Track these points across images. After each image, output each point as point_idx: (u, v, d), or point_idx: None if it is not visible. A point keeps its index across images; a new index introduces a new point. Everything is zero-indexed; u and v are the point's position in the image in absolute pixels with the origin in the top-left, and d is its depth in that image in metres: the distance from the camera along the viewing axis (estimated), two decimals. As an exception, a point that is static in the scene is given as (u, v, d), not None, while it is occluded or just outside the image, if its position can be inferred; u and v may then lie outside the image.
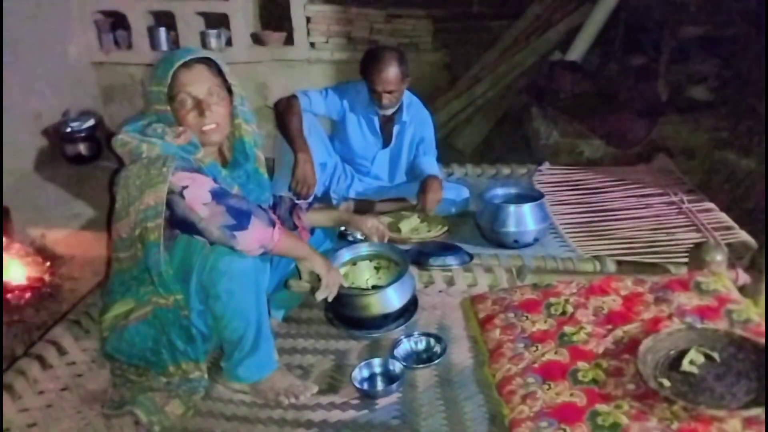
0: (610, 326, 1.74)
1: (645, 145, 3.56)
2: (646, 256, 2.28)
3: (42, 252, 2.80)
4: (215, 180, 1.55)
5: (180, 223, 1.50)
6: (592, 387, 1.54)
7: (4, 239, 2.69)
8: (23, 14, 3.55)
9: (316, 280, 1.74)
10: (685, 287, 1.83)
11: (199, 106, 1.56)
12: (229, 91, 1.65)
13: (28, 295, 2.54)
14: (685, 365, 1.51)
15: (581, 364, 1.61)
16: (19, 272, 2.59)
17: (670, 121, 3.66)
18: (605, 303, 1.84)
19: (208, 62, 1.60)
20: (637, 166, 3.22)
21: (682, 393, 1.45)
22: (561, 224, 2.58)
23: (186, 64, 1.55)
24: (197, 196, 1.47)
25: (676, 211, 2.66)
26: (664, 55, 3.85)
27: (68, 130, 3.76)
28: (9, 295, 2.49)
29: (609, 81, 4.06)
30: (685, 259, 2.07)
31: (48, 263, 2.73)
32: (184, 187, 1.47)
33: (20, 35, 3.53)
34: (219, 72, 1.62)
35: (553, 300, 1.88)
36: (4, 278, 2.54)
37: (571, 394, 1.52)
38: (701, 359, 1.53)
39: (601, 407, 1.47)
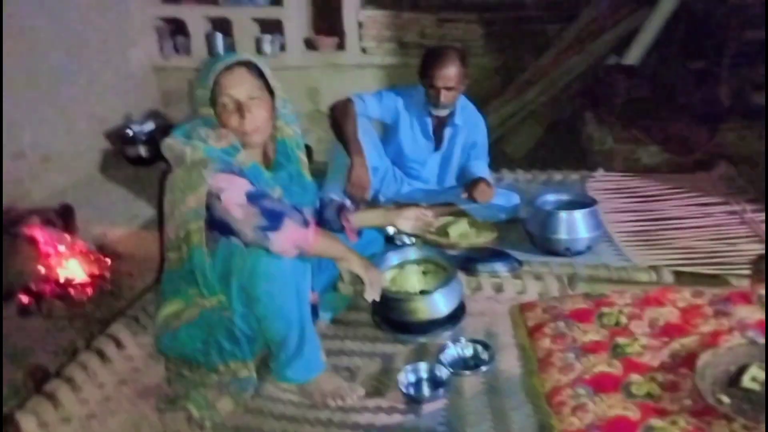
0: (666, 339, 1.69)
1: (705, 153, 3.43)
2: (706, 267, 2.20)
3: (103, 250, 2.91)
4: (254, 182, 1.58)
5: (218, 225, 1.54)
6: (646, 401, 1.50)
7: (68, 237, 2.82)
8: (87, 21, 3.71)
9: (358, 281, 1.75)
10: (747, 300, 1.76)
11: (240, 109, 1.59)
12: (271, 93, 1.67)
13: (89, 290, 2.64)
14: (746, 382, 1.45)
15: (635, 377, 1.57)
16: (81, 269, 2.70)
17: (733, 127, 3.51)
18: (661, 315, 1.78)
19: (249, 65, 1.62)
20: (697, 174, 3.12)
21: (742, 410, 1.39)
22: (615, 232, 2.51)
23: (228, 68, 1.58)
24: (233, 197, 1.51)
25: (738, 221, 2.56)
26: (725, 59, 3.70)
27: (129, 132, 3.91)
28: (72, 291, 2.60)
29: (667, 86, 3.93)
30: (747, 271, 1.98)
31: (109, 261, 2.83)
32: (221, 189, 1.50)
33: (84, 41, 3.69)
34: (260, 75, 1.64)
35: (605, 310, 1.83)
36: (69, 274, 2.66)
37: (624, 408, 1.48)
38: (763, 376, 1.46)
39: (656, 422, 1.42)
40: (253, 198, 1.52)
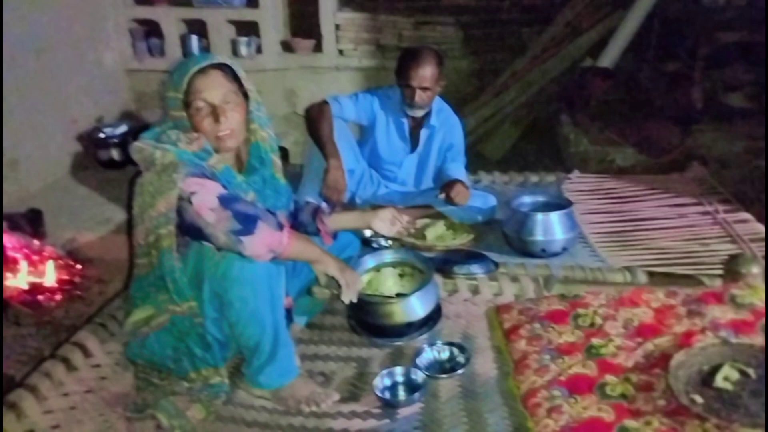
0: (640, 339, 1.69)
1: (678, 154, 3.47)
2: (679, 267, 2.22)
3: (73, 255, 2.84)
4: (226, 186, 1.55)
5: (189, 229, 1.51)
6: (620, 402, 1.50)
7: (36, 242, 2.75)
8: (59, 22, 3.64)
9: (335, 284, 1.73)
10: (720, 300, 1.77)
11: (214, 113, 1.55)
12: (246, 96, 1.64)
13: (58, 296, 2.57)
14: (719, 381, 1.46)
15: (609, 378, 1.57)
16: (49, 275, 2.64)
17: (705, 129, 3.57)
18: (636, 315, 1.79)
19: (224, 68, 1.58)
20: (670, 175, 3.15)
21: (715, 410, 1.39)
22: (590, 233, 2.52)
23: (202, 70, 1.54)
24: (205, 201, 1.47)
25: (711, 221, 2.58)
26: (699, 62, 3.76)
27: (101, 135, 3.83)
28: (40, 297, 2.53)
29: (642, 88, 3.98)
30: (720, 272, 2.01)
31: (79, 266, 2.77)
32: (192, 193, 1.47)
33: (56, 42, 3.62)
34: (235, 77, 1.60)
35: (581, 311, 1.83)
36: (36, 280, 2.60)
37: (599, 409, 1.48)
38: (736, 375, 1.47)
39: (630, 423, 1.42)
40: (225, 201, 1.49)
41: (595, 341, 1.70)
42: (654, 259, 2.31)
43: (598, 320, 1.78)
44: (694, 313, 1.74)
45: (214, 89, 1.55)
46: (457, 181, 2.51)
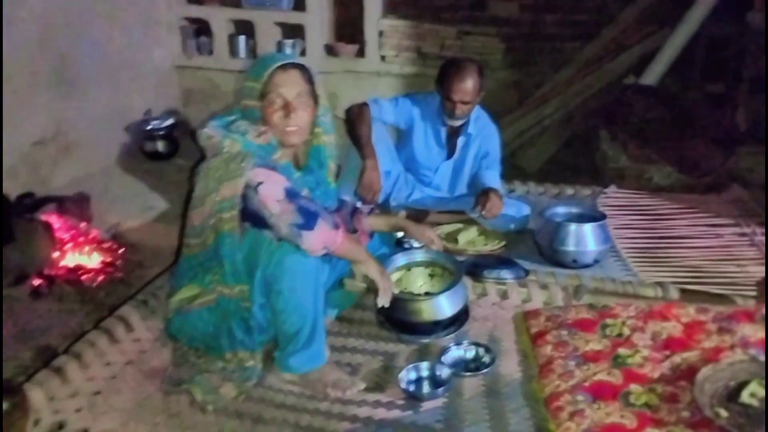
0: (667, 352, 1.70)
1: (719, 176, 3.42)
2: (712, 286, 2.20)
3: (116, 239, 2.96)
4: (288, 180, 1.62)
5: (251, 217, 1.58)
6: (644, 410, 1.50)
7: (82, 224, 2.87)
8: (116, 15, 3.80)
9: (370, 283, 1.79)
10: (751, 319, 1.76)
11: (287, 107, 1.63)
12: (315, 101, 1.72)
13: (100, 278, 2.69)
14: (745, 397, 1.45)
15: (634, 387, 1.58)
16: (93, 256, 2.75)
17: (748, 152, 3.50)
18: (664, 328, 1.79)
19: (303, 69, 1.68)
20: (708, 196, 3.11)
21: (739, 425, 1.39)
22: (623, 248, 2.52)
23: (283, 67, 1.64)
24: (271, 192, 1.55)
25: (748, 243, 2.55)
26: (744, 84, 3.70)
27: (148, 128, 3.98)
28: (84, 277, 2.65)
29: (684, 107, 3.93)
30: (754, 293, 1.99)
31: (121, 250, 2.88)
32: (260, 183, 1.55)
33: (111, 37, 3.77)
34: (310, 81, 1.69)
35: (609, 321, 1.84)
36: (81, 261, 2.71)
37: (622, 416, 1.49)
38: (762, 392, 1.46)
39: (653, 432, 1.43)
40: (290, 195, 1.57)
41: (621, 351, 1.71)
42: (686, 277, 2.29)
43: (626, 331, 1.79)
44: (724, 330, 1.74)
45: (291, 86, 1.64)
46: (491, 190, 2.53)
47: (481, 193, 2.51)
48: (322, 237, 1.58)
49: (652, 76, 4.09)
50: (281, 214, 1.55)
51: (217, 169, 1.57)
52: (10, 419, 1.39)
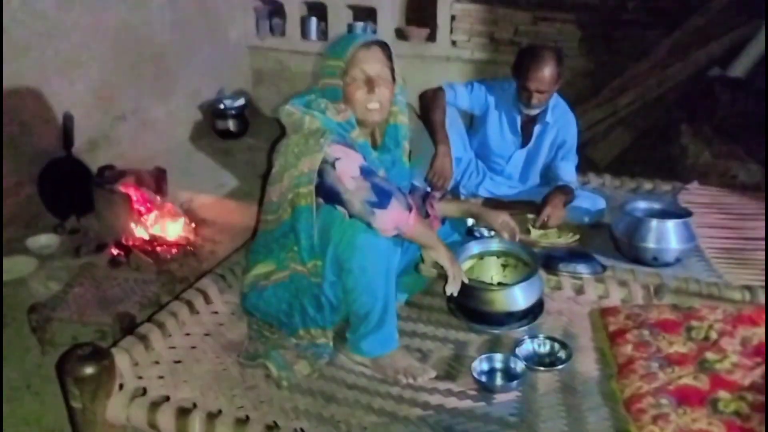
0: (758, 359, 1.60)
1: (810, 176, 3.21)
2: (805, 292, 2.06)
3: (189, 214, 3.05)
4: (365, 158, 1.61)
5: (326, 192, 1.57)
6: (733, 419, 1.42)
7: (159, 198, 2.97)
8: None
9: (440, 269, 1.76)
10: None
11: (370, 83, 1.63)
12: (393, 80, 1.70)
13: (174, 250, 2.77)
14: None
15: (723, 394, 1.49)
16: (169, 229, 2.84)
17: None
18: (755, 334, 1.69)
19: (384, 46, 1.68)
20: (800, 196, 2.92)
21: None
22: (707, 248, 2.39)
23: (365, 44, 1.64)
24: (348, 169, 1.54)
25: None
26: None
27: (221, 106, 4.07)
28: (159, 248, 2.74)
29: (774, 102, 3.70)
30: None
31: (193, 225, 2.97)
32: (337, 159, 1.54)
33: (189, 18, 3.86)
34: (390, 58, 1.68)
35: (695, 323, 1.75)
36: (157, 233, 2.80)
37: (709, 423, 1.41)
38: None
39: (743, 442, 1.35)
40: (366, 173, 1.56)
41: (709, 355, 1.62)
42: (776, 282, 2.15)
43: (713, 334, 1.70)
44: (822, 340, 1.62)
45: (375, 62, 1.63)
46: (551, 197, 2.44)
47: (541, 203, 2.44)
48: (395, 217, 1.56)
49: (740, 68, 3.86)
50: (355, 190, 1.54)
51: (296, 145, 1.58)
52: (97, 382, 1.44)
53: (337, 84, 1.64)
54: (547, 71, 2.40)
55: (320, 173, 1.55)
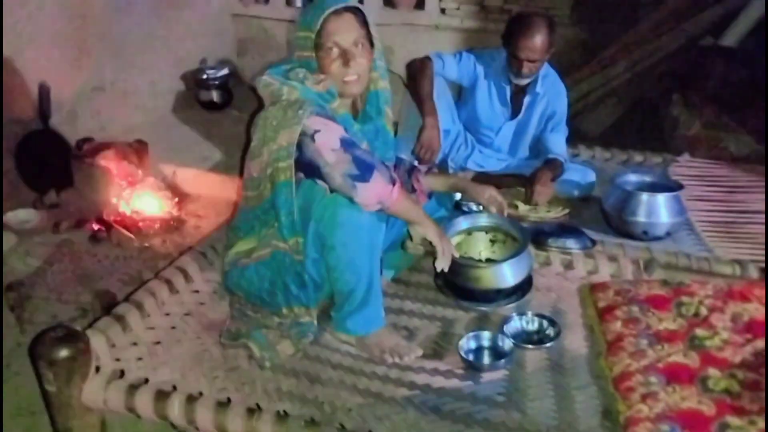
0: (749, 336, 1.58)
1: (801, 147, 3.18)
2: (795, 266, 2.05)
3: (172, 188, 2.97)
4: (346, 130, 1.55)
5: (306, 166, 1.51)
6: (723, 397, 1.41)
7: (140, 172, 2.89)
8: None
9: (427, 246, 1.71)
10: None
11: (345, 56, 1.55)
12: (371, 44, 1.62)
13: (156, 225, 2.71)
14: (841, 391, 1.34)
15: (713, 371, 1.48)
16: (151, 204, 2.77)
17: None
18: (746, 310, 1.67)
19: (356, 12, 1.58)
20: (791, 168, 2.89)
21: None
22: (697, 221, 2.37)
23: (336, 12, 1.54)
24: (327, 141, 1.48)
25: (836, 221, 2.36)
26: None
27: (204, 77, 3.94)
28: (141, 224, 2.67)
29: (766, 72, 3.64)
30: None
31: (176, 199, 2.89)
32: (316, 131, 1.48)
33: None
34: (365, 23, 1.60)
35: (685, 299, 1.73)
36: (138, 207, 2.73)
37: (699, 402, 1.40)
38: None
39: (733, 420, 1.34)
40: (347, 145, 1.49)
41: (699, 332, 1.60)
42: (766, 255, 2.14)
43: (704, 311, 1.68)
44: (814, 316, 1.61)
45: (347, 32, 1.55)
46: (543, 171, 2.40)
47: (528, 180, 2.39)
48: (378, 190, 1.50)
49: (732, 37, 3.80)
50: (336, 163, 1.47)
51: (274, 117, 1.51)
52: (72, 365, 1.39)
53: (310, 57, 1.56)
54: (538, 39, 2.34)
55: (300, 146, 1.48)
